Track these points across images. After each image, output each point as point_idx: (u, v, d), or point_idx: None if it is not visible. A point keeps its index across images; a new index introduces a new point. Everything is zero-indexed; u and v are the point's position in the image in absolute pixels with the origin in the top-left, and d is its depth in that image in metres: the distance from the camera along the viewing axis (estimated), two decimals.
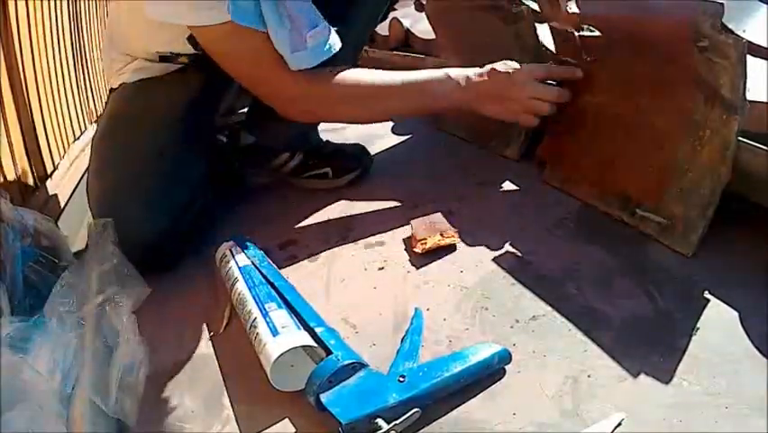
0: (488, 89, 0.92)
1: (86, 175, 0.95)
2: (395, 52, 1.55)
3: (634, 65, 0.85)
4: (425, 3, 1.28)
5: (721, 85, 0.73)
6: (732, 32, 0.77)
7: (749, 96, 0.73)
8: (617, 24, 0.85)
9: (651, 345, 0.67)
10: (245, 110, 1.13)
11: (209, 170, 0.96)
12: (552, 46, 1.03)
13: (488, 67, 0.93)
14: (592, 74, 0.92)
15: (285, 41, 0.82)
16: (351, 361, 0.62)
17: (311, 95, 0.89)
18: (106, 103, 1.00)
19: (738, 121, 0.73)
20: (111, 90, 0.98)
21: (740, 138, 0.75)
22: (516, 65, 0.93)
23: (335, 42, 0.88)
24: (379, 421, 0.58)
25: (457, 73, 0.92)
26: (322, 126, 1.14)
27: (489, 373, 0.65)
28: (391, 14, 1.64)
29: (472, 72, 0.93)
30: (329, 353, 0.63)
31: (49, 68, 1.13)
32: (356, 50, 1.05)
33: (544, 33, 1.05)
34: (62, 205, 1.05)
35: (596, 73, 0.92)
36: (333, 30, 0.88)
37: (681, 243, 0.80)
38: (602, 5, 0.88)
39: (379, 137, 1.29)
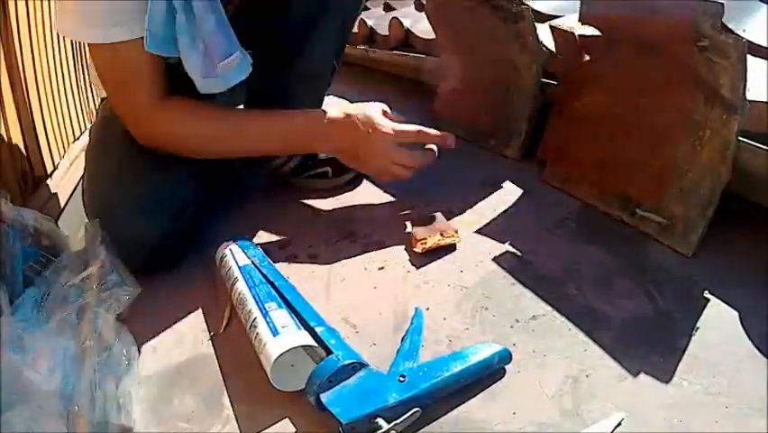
0: (344, 142, 0.90)
1: (81, 181, 0.96)
2: (395, 52, 1.55)
3: (634, 65, 0.85)
4: (425, 2, 1.28)
5: (721, 85, 0.73)
6: (732, 32, 0.77)
7: (749, 96, 0.73)
8: (618, 24, 0.86)
9: (651, 345, 0.67)
10: None
11: (207, 170, 0.96)
12: (552, 46, 1.04)
13: (344, 112, 0.90)
14: (592, 74, 0.92)
15: (198, 64, 0.81)
16: (351, 361, 0.62)
17: (163, 135, 0.87)
18: (97, 112, 1.00)
19: (738, 121, 0.73)
20: (102, 99, 0.98)
21: (740, 138, 0.75)
22: (378, 118, 0.89)
23: (246, 69, 0.86)
24: (380, 421, 0.58)
25: (311, 122, 0.90)
26: None
27: (489, 372, 0.65)
28: (391, 14, 1.64)
29: (328, 117, 0.89)
30: (329, 352, 0.63)
31: (49, 68, 1.13)
32: (316, 79, 1.03)
33: (544, 33, 1.05)
34: (62, 205, 1.05)
35: (596, 73, 0.92)
36: (246, 56, 0.85)
37: (680, 243, 0.80)
38: (602, 5, 0.88)
39: None
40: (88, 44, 0.82)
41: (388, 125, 0.89)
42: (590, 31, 0.90)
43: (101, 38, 0.78)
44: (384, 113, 0.91)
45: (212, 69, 0.82)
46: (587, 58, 0.92)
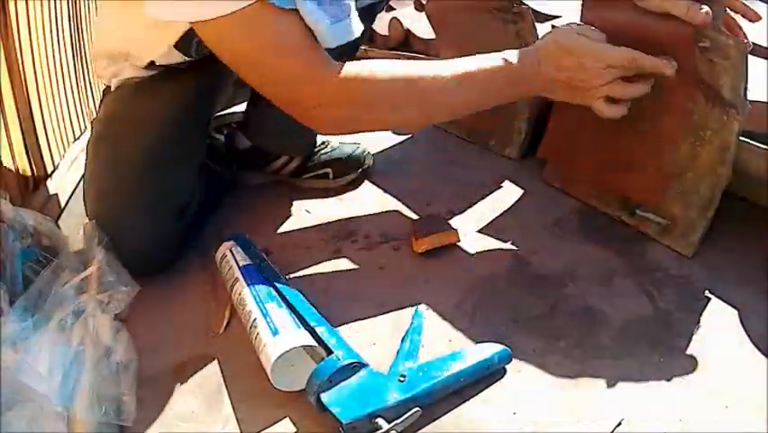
0: (554, 78, 0.76)
1: (82, 179, 0.95)
2: (394, 52, 1.55)
3: None
4: (425, 3, 1.28)
5: (721, 85, 0.73)
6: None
7: (749, 97, 0.73)
8: (618, 25, 0.85)
9: (651, 345, 0.67)
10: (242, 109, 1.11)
11: (207, 171, 0.96)
12: None
13: (545, 44, 0.76)
14: None
15: (323, 10, 0.69)
16: (351, 360, 0.62)
17: (352, 94, 0.73)
18: (100, 104, 0.99)
19: (739, 121, 0.73)
20: (104, 91, 0.97)
21: (740, 138, 0.75)
22: (586, 44, 0.74)
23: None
24: (380, 421, 0.58)
25: (515, 59, 0.75)
26: None
27: (489, 372, 0.65)
28: (391, 14, 1.64)
29: (533, 57, 0.76)
30: (329, 352, 0.63)
31: (49, 68, 1.13)
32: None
33: (543, 33, 1.05)
34: (62, 205, 1.05)
35: None
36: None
37: (681, 243, 0.80)
38: (603, 6, 0.87)
39: (379, 137, 1.29)
40: (220, 29, 0.68)
41: (596, 50, 0.74)
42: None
43: (233, 5, 0.64)
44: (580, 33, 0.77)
45: (343, 12, 0.72)
46: None
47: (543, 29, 1.05)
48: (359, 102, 0.74)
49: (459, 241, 0.87)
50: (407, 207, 0.99)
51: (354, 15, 0.75)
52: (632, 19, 0.82)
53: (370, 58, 1.43)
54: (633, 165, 0.86)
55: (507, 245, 0.86)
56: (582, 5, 0.90)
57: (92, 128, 0.95)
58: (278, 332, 0.65)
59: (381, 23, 1.65)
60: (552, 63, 0.76)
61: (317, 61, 0.71)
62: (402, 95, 0.75)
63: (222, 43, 0.71)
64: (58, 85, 1.17)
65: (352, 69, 0.72)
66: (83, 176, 0.95)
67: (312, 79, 0.72)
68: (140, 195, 0.85)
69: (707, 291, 0.73)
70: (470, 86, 0.76)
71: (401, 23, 1.55)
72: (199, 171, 0.94)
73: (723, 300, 0.72)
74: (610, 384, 0.63)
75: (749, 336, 0.66)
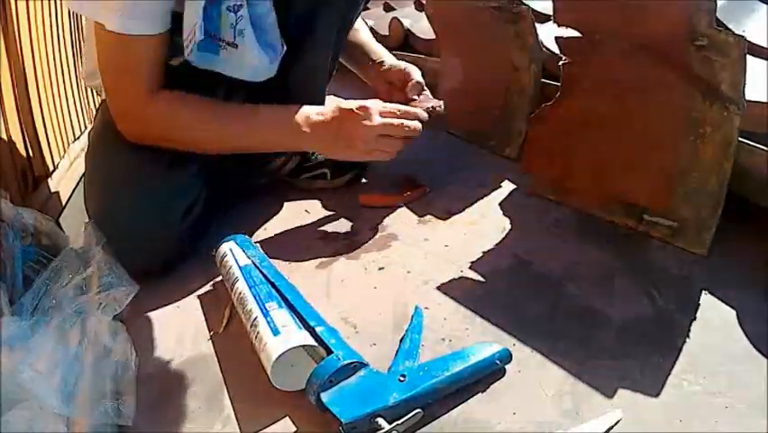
0: (330, 132, 0.88)
1: (83, 183, 0.95)
2: (395, 52, 1.55)
3: (620, 65, 0.83)
4: (425, 3, 1.28)
5: (720, 81, 0.72)
6: (728, 29, 0.77)
7: (749, 97, 0.73)
8: (602, 25, 0.84)
9: (651, 345, 0.67)
10: None
11: (206, 173, 0.96)
12: (550, 45, 1.03)
13: (333, 105, 0.90)
14: (574, 77, 0.89)
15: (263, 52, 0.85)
16: (351, 360, 0.62)
17: (157, 122, 0.87)
18: (96, 111, 1.00)
19: (739, 117, 0.73)
20: (102, 100, 0.98)
21: (739, 138, 0.74)
22: (362, 104, 0.88)
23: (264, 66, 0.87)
24: (380, 421, 0.58)
25: (300, 114, 0.89)
26: None
27: (490, 372, 0.65)
28: (391, 14, 1.64)
29: (315, 113, 0.89)
30: (329, 352, 0.63)
31: (49, 68, 1.13)
32: (316, 72, 1.00)
33: (544, 33, 1.05)
34: (62, 205, 1.05)
35: (578, 76, 0.88)
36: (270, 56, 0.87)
37: (695, 244, 0.79)
38: (582, 6, 0.85)
39: None
40: (99, 26, 0.81)
41: (369, 107, 0.88)
42: (568, 32, 0.86)
43: (118, 26, 0.78)
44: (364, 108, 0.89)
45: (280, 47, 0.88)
46: (565, 60, 0.88)
47: (543, 29, 1.05)
48: (157, 127, 0.87)
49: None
50: (406, 206, 1.00)
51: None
52: (617, 19, 0.80)
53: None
54: (633, 169, 0.85)
55: (507, 245, 0.86)
56: (553, 6, 0.87)
57: (88, 139, 0.95)
58: (278, 332, 0.65)
59: (381, 24, 1.66)
60: (327, 119, 0.89)
61: (144, 88, 0.84)
62: (194, 132, 0.88)
63: (96, 39, 0.84)
64: (58, 85, 1.17)
65: (163, 102, 0.86)
66: (83, 176, 0.95)
67: (133, 101, 0.85)
68: (138, 198, 0.85)
69: (706, 291, 0.73)
70: (250, 134, 0.90)
71: (401, 23, 1.56)
72: (202, 171, 0.94)
73: (722, 301, 0.72)
74: (610, 384, 0.63)
75: (748, 336, 0.66)
